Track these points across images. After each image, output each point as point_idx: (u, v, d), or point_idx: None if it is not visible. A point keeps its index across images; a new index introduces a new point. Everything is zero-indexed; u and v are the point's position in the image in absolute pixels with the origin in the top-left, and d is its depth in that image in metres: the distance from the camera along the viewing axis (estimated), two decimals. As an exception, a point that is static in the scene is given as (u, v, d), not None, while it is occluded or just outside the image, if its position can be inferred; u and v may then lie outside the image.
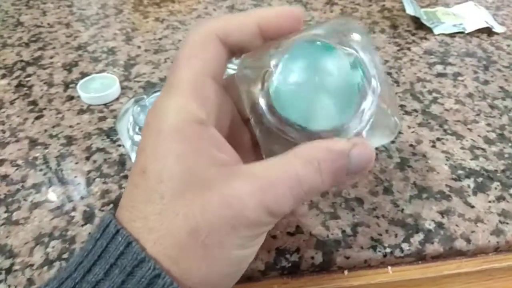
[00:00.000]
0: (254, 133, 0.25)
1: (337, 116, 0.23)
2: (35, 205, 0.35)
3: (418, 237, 0.32)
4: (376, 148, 0.39)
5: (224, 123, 0.25)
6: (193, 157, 0.20)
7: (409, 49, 0.55)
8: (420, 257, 0.31)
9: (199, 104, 0.21)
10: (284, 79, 0.23)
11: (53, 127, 0.43)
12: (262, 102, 0.24)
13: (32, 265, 0.30)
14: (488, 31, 0.59)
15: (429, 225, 0.32)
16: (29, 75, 0.51)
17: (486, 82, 0.49)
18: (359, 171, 0.21)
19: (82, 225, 0.33)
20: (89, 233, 0.32)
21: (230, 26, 0.23)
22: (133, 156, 0.39)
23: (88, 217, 0.33)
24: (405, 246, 0.31)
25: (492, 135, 0.41)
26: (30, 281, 0.29)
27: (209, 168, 0.20)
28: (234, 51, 0.24)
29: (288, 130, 0.24)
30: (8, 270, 0.30)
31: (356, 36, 0.24)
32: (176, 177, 0.19)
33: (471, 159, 0.38)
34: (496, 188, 0.36)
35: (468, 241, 0.31)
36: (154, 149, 0.20)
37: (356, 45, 0.24)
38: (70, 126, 0.43)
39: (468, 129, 0.42)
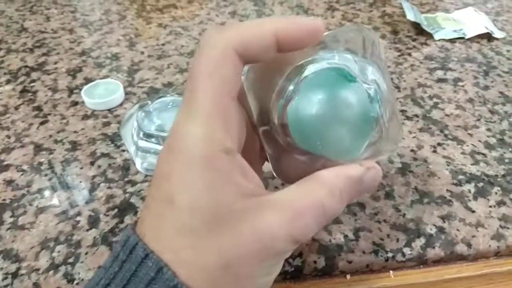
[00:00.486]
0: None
1: (352, 149, 0.24)
2: (41, 210, 0.35)
3: (420, 242, 0.32)
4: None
5: (243, 140, 0.24)
6: (223, 189, 0.19)
7: (409, 54, 0.56)
8: (421, 262, 0.32)
9: (225, 131, 0.20)
10: (304, 107, 0.23)
11: (58, 132, 0.43)
12: (275, 119, 0.24)
13: (38, 270, 0.31)
14: (488, 37, 0.60)
15: (430, 229, 0.33)
16: (33, 81, 0.51)
17: (486, 88, 0.49)
18: (369, 191, 0.23)
19: (87, 230, 0.33)
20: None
21: (248, 38, 0.21)
22: (137, 161, 0.39)
23: (93, 222, 0.34)
24: (406, 250, 0.31)
25: (493, 140, 0.42)
26: (36, 285, 0.30)
27: (238, 199, 0.20)
28: (247, 62, 0.22)
29: (296, 151, 0.24)
30: (15, 275, 0.30)
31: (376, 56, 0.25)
32: (207, 210, 0.19)
33: (472, 164, 0.39)
34: (496, 193, 0.36)
35: (469, 245, 0.32)
36: (182, 178, 0.19)
37: (374, 68, 0.24)
38: (75, 132, 0.43)
39: (469, 134, 0.42)
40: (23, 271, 0.31)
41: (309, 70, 0.23)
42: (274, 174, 0.25)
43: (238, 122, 0.22)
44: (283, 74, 0.23)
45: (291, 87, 0.23)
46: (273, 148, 0.25)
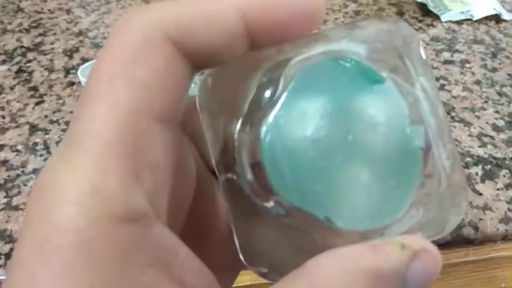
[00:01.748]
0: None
1: (379, 211, 0.13)
2: (35, 191, 0.34)
3: (425, 225, 0.31)
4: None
5: (184, 198, 0.13)
6: None
7: (415, 36, 0.54)
8: (427, 245, 0.31)
9: (130, 178, 0.10)
10: (287, 130, 0.13)
11: (54, 112, 0.42)
12: (242, 155, 0.13)
13: (32, 250, 0.30)
14: (496, 19, 0.58)
15: (436, 212, 0.32)
16: (29, 61, 0.50)
17: (494, 69, 0.48)
18: None
19: (83, 211, 0.32)
20: None
21: (192, 18, 0.11)
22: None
23: (89, 202, 0.33)
24: (411, 233, 0.30)
25: (501, 123, 0.40)
26: (30, 266, 0.29)
27: None
28: (200, 64, 0.12)
29: (278, 210, 0.13)
30: (8, 255, 0.30)
31: (418, 55, 0.14)
32: None
33: (479, 147, 0.38)
34: (504, 176, 0.35)
35: (476, 229, 0.31)
36: (32, 274, 0.09)
37: (417, 71, 0.13)
38: (71, 112, 0.42)
39: (476, 116, 0.41)
40: (16, 252, 0.30)
41: (299, 63, 0.13)
42: (241, 257, 0.13)
43: (169, 165, 0.12)
44: (258, 79, 0.13)
45: (267, 96, 0.13)
46: (240, 211, 0.13)
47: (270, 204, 0.13)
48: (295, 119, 0.12)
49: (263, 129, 0.13)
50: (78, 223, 0.09)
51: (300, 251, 0.13)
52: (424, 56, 0.13)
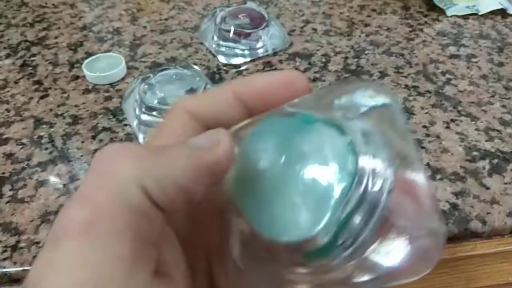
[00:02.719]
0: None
1: (310, 224, 0.15)
2: (41, 183, 0.34)
3: (432, 218, 0.31)
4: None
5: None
6: None
7: (421, 30, 0.54)
8: (434, 238, 0.30)
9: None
10: (244, 164, 0.16)
11: (58, 106, 0.42)
12: (223, 191, 0.17)
13: (38, 243, 0.30)
14: (502, 13, 0.58)
15: (443, 206, 0.32)
16: (33, 55, 0.50)
17: (500, 64, 0.48)
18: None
19: (89, 204, 0.32)
20: None
21: (201, 99, 0.19)
22: (140, 136, 0.38)
23: (94, 195, 0.33)
24: (418, 227, 0.30)
25: (508, 117, 0.40)
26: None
27: None
28: (211, 126, 0.18)
29: (245, 229, 0.16)
30: (14, 247, 0.30)
31: (365, 108, 0.16)
32: None
33: (486, 141, 0.37)
34: (512, 170, 0.35)
35: (484, 222, 0.31)
36: None
37: (362, 123, 0.16)
38: (76, 106, 0.42)
39: (483, 110, 0.41)
40: (22, 244, 0.30)
41: (258, 120, 0.17)
42: None
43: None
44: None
45: (235, 142, 0.16)
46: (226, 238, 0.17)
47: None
48: (249, 158, 0.16)
49: (231, 170, 0.16)
50: None
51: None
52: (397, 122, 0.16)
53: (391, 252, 0.15)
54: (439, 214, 0.15)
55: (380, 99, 0.16)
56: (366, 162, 0.15)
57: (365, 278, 0.15)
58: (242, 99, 0.18)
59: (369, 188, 0.15)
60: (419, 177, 0.15)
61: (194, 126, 0.17)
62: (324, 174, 0.15)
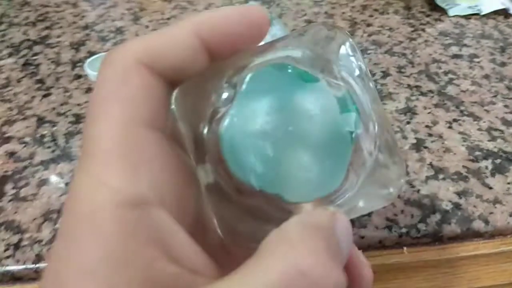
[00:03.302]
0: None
1: (322, 183, 0.16)
2: (43, 182, 0.34)
3: (435, 218, 0.31)
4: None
5: (177, 191, 0.15)
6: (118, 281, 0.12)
7: (423, 30, 0.54)
8: (436, 238, 0.30)
9: (130, 172, 0.13)
10: (240, 126, 0.15)
11: (61, 105, 0.42)
12: (210, 154, 0.16)
13: (40, 241, 0.30)
14: (504, 13, 0.58)
15: (446, 205, 0.32)
16: (36, 54, 0.50)
17: (503, 64, 0.48)
18: (342, 253, 0.14)
19: (91, 202, 0.32)
20: None
21: (156, 45, 0.15)
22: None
23: (97, 194, 0.33)
24: (421, 226, 0.30)
25: (510, 117, 0.40)
26: (39, 256, 0.29)
27: None
28: (172, 79, 0.15)
29: (246, 192, 0.16)
30: (17, 246, 0.30)
31: (345, 57, 0.17)
32: None
33: (489, 141, 0.37)
34: (515, 170, 0.35)
35: (486, 222, 0.31)
36: (58, 262, 0.13)
37: (346, 70, 0.17)
38: (78, 105, 0.42)
39: (485, 110, 0.41)
40: (25, 243, 0.30)
41: (247, 71, 0.16)
42: (222, 237, 0.16)
43: (159, 161, 0.14)
44: (217, 86, 0.16)
45: (223, 98, 0.16)
46: (215, 197, 0.16)
47: (232, 188, 0.16)
48: (246, 117, 0.15)
49: (221, 127, 0.15)
50: (90, 211, 0.13)
51: (266, 223, 0.15)
52: (350, 54, 0.17)
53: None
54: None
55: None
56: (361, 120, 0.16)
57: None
58: (205, 42, 0.15)
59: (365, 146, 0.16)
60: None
61: (154, 84, 0.15)
62: (329, 134, 0.16)
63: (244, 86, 0.16)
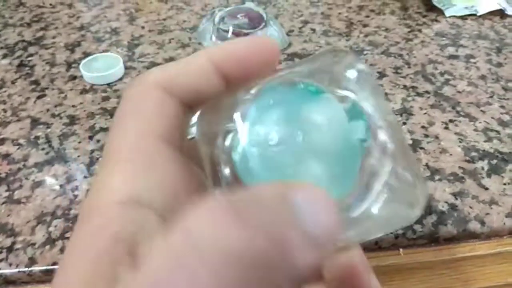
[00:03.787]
0: None
1: (333, 191, 0.15)
2: (37, 184, 0.34)
3: (431, 219, 0.31)
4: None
5: (183, 197, 0.16)
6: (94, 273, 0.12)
7: (420, 30, 0.54)
8: (432, 239, 0.30)
9: (131, 174, 0.14)
10: (252, 139, 0.16)
11: (56, 106, 0.42)
12: (224, 171, 0.16)
13: (34, 244, 0.29)
14: (500, 14, 0.58)
15: (442, 206, 0.31)
16: (31, 55, 0.50)
17: (499, 65, 0.48)
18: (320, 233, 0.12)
19: (85, 204, 0.32)
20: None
21: (173, 69, 0.17)
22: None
23: (91, 196, 0.33)
24: (417, 227, 0.30)
25: (506, 117, 0.40)
26: (32, 259, 0.29)
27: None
28: (189, 102, 0.17)
29: None
30: (10, 249, 0.29)
31: (352, 74, 0.17)
32: None
33: (485, 141, 0.37)
34: (511, 170, 0.34)
35: (483, 223, 0.30)
36: (68, 253, 0.14)
37: (353, 86, 0.17)
38: (73, 106, 0.42)
39: (481, 111, 0.41)
40: (18, 246, 0.29)
41: (258, 90, 0.17)
42: None
43: (169, 170, 0.15)
44: (230, 106, 0.17)
45: (235, 115, 0.16)
46: None
47: None
48: (257, 132, 0.16)
49: (234, 144, 0.16)
50: (91, 209, 0.14)
51: None
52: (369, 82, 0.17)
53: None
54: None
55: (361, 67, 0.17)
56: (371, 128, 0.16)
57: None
58: (219, 68, 0.16)
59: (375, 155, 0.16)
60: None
61: (170, 104, 0.16)
62: (338, 142, 0.16)
63: (254, 103, 0.16)
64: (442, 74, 0.46)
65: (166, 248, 0.11)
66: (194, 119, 0.17)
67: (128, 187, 0.14)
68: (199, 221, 0.11)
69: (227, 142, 0.16)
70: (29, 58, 0.49)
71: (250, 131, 0.16)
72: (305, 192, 0.12)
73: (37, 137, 0.38)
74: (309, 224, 0.11)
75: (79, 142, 0.38)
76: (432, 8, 0.58)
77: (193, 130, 0.17)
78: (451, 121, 0.39)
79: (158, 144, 0.15)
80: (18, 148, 0.37)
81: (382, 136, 0.16)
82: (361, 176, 0.16)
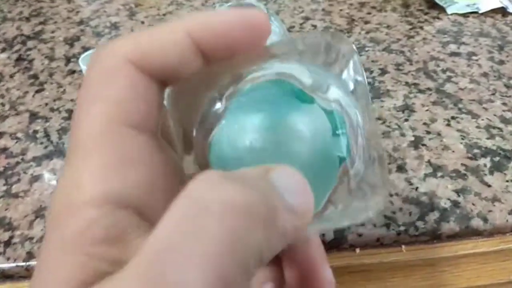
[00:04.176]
0: None
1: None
2: (35, 178, 0.33)
3: (433, 216, 0.30)
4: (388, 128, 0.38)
5: (158, 190, 0.14)
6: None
7: (421, 28, 0.54)
8: (435, 236, 0.30)
9: (102, 171, 0.13)
10: (229, 139, 0.15)
11: (54, 100, 0.41)
12: (197, 158, 0.16)
13: (31, 238, 0.29)
14: (502, 12, 0.57)
15: (444, 203, 0.31)
16: (29, 49, 0.49)
17: (501, 62, 0.47)
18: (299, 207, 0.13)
19: (84, 199, 0.32)
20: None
21: (146, 42, 0.14)
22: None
23: (90, 190, 0.32)
24: (419, 224, 0.30)
25: (509, 115, 0.40)
26: (30, 254, 0.28)
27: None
28: (163, 80, 0.15)
29: None
30: (7, 243, 0.29)
31: (346, 77, 0.16)
32: None
33: (487, 138, 0.37)
34: (513, 168, 0.34)
35: (485, 220, 0.30)
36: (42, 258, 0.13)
37: (342, 87, 0.16)
38: (72, 100, 0.41)
39: (484, 108, 0.41)
40: (16, 240, 0.29)
41: (244, 83, 0.15)
42: None
43: (143, 162, 0.14)
44: (210, 93, 0.16)
45: (216, 108, 0.15)
46: None
47: None
48: (237, 131, 0.15)
49: (211, 137, 0.15)
50: (60, 211, 0.13)
51: None
52: (356, 69, 0.16)
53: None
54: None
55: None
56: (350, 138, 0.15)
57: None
58: (198, 43, 0.14)
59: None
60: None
61: (142, 83, 0.14)
62: (317, 156, 0.15)
63: (238, 99, 0.15)
64: (444, 71, 0.46)
65: (174, 215, 0.11)
66: (167, 92, 0.16)
67: (100, 185, 0.13)
68: (200, 187, 0.11)
69: (204, 133, 0.15)
70: (28, 52, 0.49)
71: (229, 131, 0.15)
72: (283, 170, 0.13)
73: (35, 131, 0.38)
74: (288, 196, 0.12)
75: (78, 137, 0.37)
76: (433, 5, 0.58)
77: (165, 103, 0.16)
78: (453, 118, 0.39)
79: (131, 132, 0.14)
80: (17, 142, 0.37)
81: (361, 153, 0.16)
82: (331, 193, 0.15)
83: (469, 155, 0.35)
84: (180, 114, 0.16)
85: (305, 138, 0.15)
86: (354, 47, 0.16)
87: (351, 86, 0.16)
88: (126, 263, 0.11)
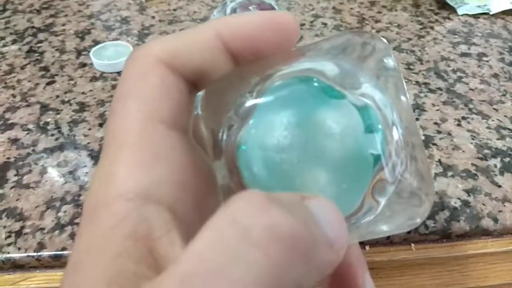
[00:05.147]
0: None
1: (339, 206, 0.14)
2: (46, 170, 0.34)
3: (444, 215, 0.30)
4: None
5: (190, 188, 0.15)
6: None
7: (432, 28, 0.53)
8: (445, 235, 0.30)
9: (137, 167, 0.13)
10: (258, 138, 0.15)
11: (65, 93, 0.41)
12: (226, 159, 0.15)
13: (43, 229, 0.29)
14: (513, 13, 0.57)
15: (454, 203, 0.31)
16: (40, 41, 0.49)
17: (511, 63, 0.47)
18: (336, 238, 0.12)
19: (95, 191, 0.32)
20: None
21: (176, 44, 0.15)
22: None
23: (101, 183, 0.32)
24: (430, 223, 0.30)
25: (519, 116, 0.40)
26: (41, 244, 0.28)
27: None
28: (194, 81, 0.15)
29: None
30: (19, 233, 0.29)
31: (380, 71, 0.15)
32: None
33: (498, 139, 0.37)
34: (524, 169, 0.34)
35: (496, 220, 0.30)
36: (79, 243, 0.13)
37: (376, 87, 0.15)
38: (83, 93, 0.42)
39: (494, 109, 0.40)
40: (27, 230, 0.29)
41: (272, 81, 0.15)
42: None
43: (175, 159, 0.14)
44: (240, 93, 0.16)
45: (244, 108, 0.15)
46: (227, 198, 0.15)
47: None
48: (265, 130, 0.15)
49: (239, 137, 0.15)
50: (96, 204, 0.13)
51: None
52: (391, 66, 0.15)
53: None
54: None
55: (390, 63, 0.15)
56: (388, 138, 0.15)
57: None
58: (227, 45, 0.15)
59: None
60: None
61: (174, 83, 0.14)
62: (350, 155, 0.14)
63: (266, 98, 0.15)
64: (454, 71, 0.45)
65: (214, 236, 0.11)
66: (198, 97, 0.16)
67: (135, 180, 0.13)
68: (242, 209, 0.11)
69: (232, 134, 0.15)
70: (39, 45, 0.49)
71: (257, 129, 0.15)
72: (320, 200, 0.13)
73: (46, 123, 0.38)
74: (328, 229, 0.12)
75: (89, 129, 0.37)
76: (444, 5, 0.58)
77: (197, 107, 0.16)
78: (463, 118, 0.39)
79: (164, 129, 0.14)
80: (27, 133, 0.37)
81: (398, 150, 0.15)
82: (369, 194, 0.15)
83: (480, 155, 0.35)
84: (211, 117, 0.16)
85: (335, 134, 0.14)
86: (386, 41, 0.16)
87: (384, 81, 0.15)
88: (152, 263, 0.12)
